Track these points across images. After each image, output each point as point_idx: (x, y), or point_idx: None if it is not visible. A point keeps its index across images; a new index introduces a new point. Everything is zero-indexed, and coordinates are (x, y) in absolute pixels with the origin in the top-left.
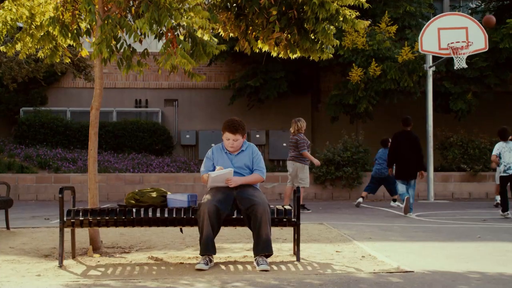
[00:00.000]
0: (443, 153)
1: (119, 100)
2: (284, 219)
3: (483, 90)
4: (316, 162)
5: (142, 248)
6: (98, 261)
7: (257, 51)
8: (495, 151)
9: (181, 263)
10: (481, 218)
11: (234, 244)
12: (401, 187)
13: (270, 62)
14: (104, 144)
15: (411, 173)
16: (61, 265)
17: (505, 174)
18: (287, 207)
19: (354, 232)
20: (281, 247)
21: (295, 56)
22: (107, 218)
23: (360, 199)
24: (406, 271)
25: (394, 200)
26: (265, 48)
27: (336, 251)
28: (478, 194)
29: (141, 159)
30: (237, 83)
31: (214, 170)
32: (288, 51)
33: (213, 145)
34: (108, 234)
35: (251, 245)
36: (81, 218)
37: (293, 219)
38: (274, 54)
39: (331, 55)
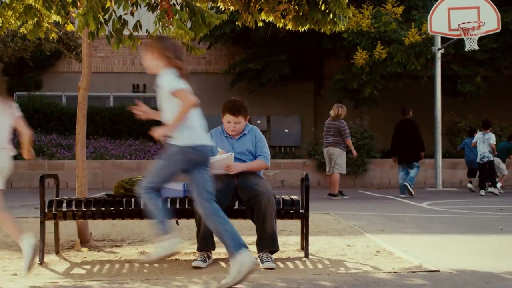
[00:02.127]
0: (451, 138)
1: (116, 84)
2: (291, 211)
3: (492, 73)
4: (355, 153)
5: (135, 241)
6: (84, 257)
7: (261, 25)
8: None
9: (176, 259)
10: (496, 207)
11: None
12: (401, 176)
13: (272, 45)
14: (101, 130)
15: (410, 157)
16: (41, 262)
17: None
18: (294, 197)
19: (364, 223)
20: (287, 241)
21: (304, 28)
22: (94, 209)
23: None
24: (431, 271)
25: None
26: (270, 19)
27: (348, 245)
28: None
29: (139, 145)
30: (238, 67)
31: (213, 156)
32: (297, 24)
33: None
34: (99, 226)
35: (253, 238)
36: (64, 210)
37: (301, 211)
38: (280, 25)
39: (343, 27)
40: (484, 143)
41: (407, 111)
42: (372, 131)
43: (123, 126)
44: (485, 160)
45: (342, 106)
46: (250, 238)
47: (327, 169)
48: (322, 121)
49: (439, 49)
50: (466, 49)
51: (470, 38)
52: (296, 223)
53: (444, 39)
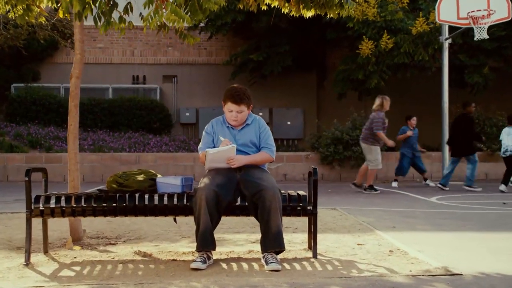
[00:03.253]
0: None
1: (115, 76)
2: (298, 207)
3: (500, 63)
4: (390, 143)
5: (131, 239)
6: (75, 257)
7: (265, 8)
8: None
9: (173, 260)
10: (509, 201)
11: (237, 234)
12: (447, 167)
13: (274, 35)
14: (99, 122)
15: (463, 150)
16: (27, 263)
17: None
18: (302, 192)
19: (373, 219)
20: (292, 239)
21: (308, 15)
22: (85, 206)
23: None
24: (453, 274)
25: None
26: (275, 4)
27: (358, 244)
28: (496, 175)
29: (138, 138)
30: (239, 58)
31: (215, 147)
32: (301, 7)
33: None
34: (93, 222)
35: (257, 236)
36: (52, 206)
37: (308, 208)
38: (285, 11)
39: (351, 11)
40: (509, 136)
41: (468, 105)
42: None
43: (123, 119)
44: (508, 154)
45: (385, 97)
46: (253, 235)
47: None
48: (325, 113)
49: (446, 39)
50: (475, 39)
51: (480, 27)
52: (302, 219)
53: (451, 29)
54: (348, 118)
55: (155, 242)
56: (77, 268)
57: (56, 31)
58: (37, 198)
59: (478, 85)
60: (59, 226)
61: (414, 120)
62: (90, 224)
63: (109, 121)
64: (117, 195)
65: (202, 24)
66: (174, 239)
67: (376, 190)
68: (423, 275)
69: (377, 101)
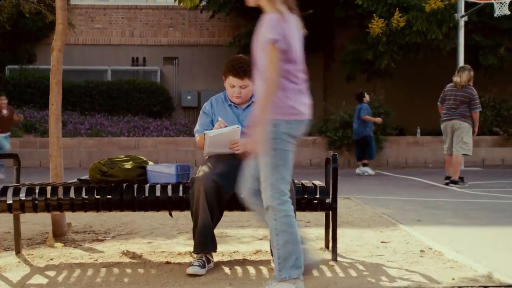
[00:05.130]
0: None
1: (114, 58)
2: (315, 201)
3: None
4: (476, 130)
5: (121, 234)
6: (51, 259)
7: None
8: None
9: (167, 262)
10: None
11: (242, 229)
12: None
13: None
14: (97, 106)
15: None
16: None
17: None
18: (318, 183)
19: (393, 210)
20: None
21: None
22: (61, 199)
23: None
24: (509, 286)
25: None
26: None
27: (382, 242)
28: None
29: (138, 122)
30: (243, 39)
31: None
32: None
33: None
34: (81, 213)
35: (265, 231)
36: (22, 199)
37: (327, 201)
38: None
39: None
40: None
41: (363, 96)
42: (387, 106)
43: (121, 102)
44: None
45: (471, 69)
46: (260, 230)
47: (446, 147)
48: (332, 95)
49: (462, 17)
50: (496, 15)
51: (501, 2)
52: (315, 212)
53: (467, 6)
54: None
55: (148, 238)
56: (52, 274)
57: (42, 4)
58: (4, 190)
59: (493, 67)
60: (42, 218)
61: (368, 97)
62: (78, 216)
63: (107, 105)
64: (100, 186)
65: (204, 3)
66: (170, 235)
67: (465, 182)
68: (472, 287)
69: (465, 74)
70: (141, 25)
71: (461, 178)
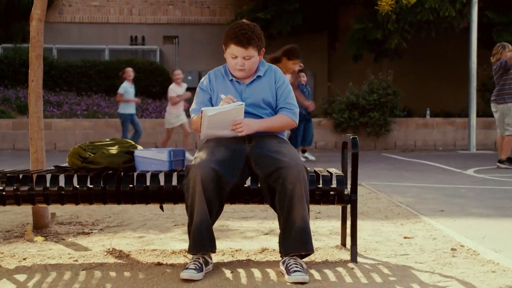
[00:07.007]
0: (484, 95)
1: (112, 36)
2: (332, 192)
3: None
4: None
5: (110, 226)
6: (25, 258)
7: None
8: None
9: (158, 263)
10: None
11: (245, 221)
12: None
13: None
14: (94, 86)
15: None
16: None
17: None
18: (336, 171)
19: (411, 199)
20: (316, 229)
21: None
22: (35, 190)
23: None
24: None
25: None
26: None
27: (405, 237)
28: None
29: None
30: (245, 17)
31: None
32: None
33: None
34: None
35: (271, 224)
36: None
37: (346, 193)
38: None
39: None
40: None
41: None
42: (396, 87)
43: (119, 82)
44: None
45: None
46: (266, 223)
47: (498, 130)
48: (337, 76)
49: None
50: None
51: None
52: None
53: None
54: (364, 81)
55: (139, 231)
56: (21, 278)
57: None
58: None
59: None
60: (25, 208)
61: (304, 77)
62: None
63: (104, 85)
64: (79, 174)
65: None
66: (165, 227)
67: None
68: None
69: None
70: (140, 3)
71: (510, 159)
